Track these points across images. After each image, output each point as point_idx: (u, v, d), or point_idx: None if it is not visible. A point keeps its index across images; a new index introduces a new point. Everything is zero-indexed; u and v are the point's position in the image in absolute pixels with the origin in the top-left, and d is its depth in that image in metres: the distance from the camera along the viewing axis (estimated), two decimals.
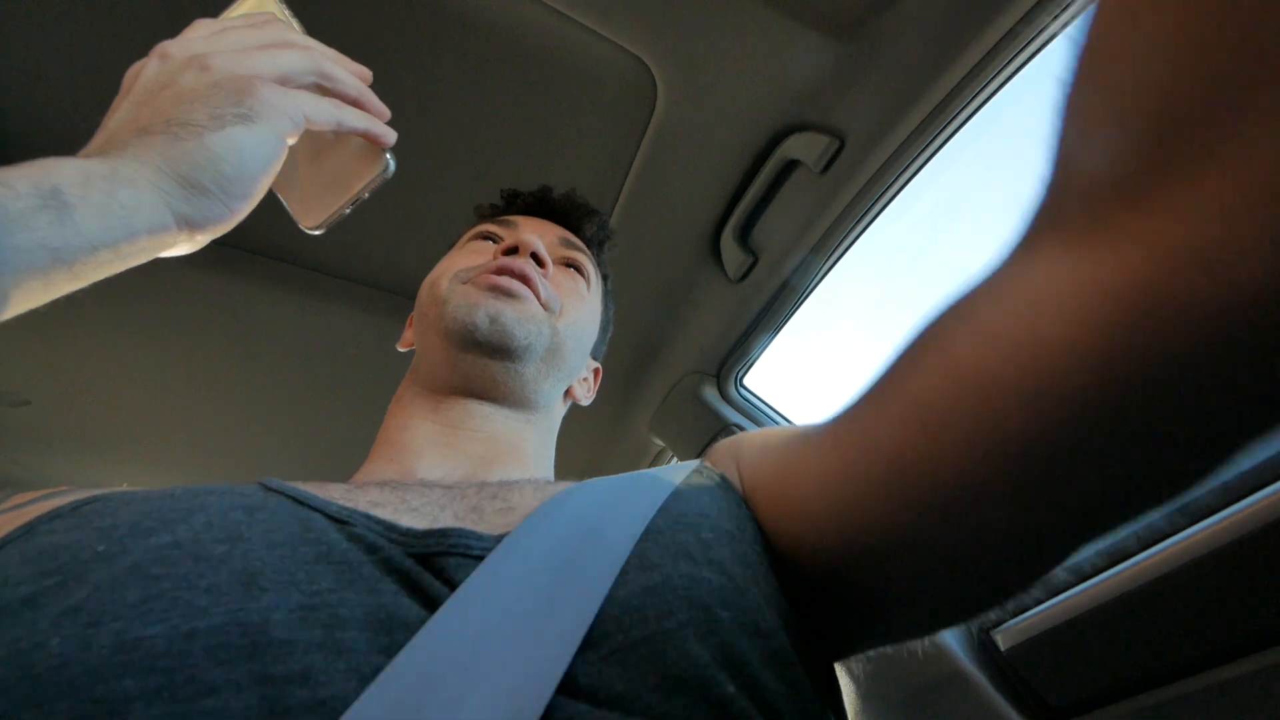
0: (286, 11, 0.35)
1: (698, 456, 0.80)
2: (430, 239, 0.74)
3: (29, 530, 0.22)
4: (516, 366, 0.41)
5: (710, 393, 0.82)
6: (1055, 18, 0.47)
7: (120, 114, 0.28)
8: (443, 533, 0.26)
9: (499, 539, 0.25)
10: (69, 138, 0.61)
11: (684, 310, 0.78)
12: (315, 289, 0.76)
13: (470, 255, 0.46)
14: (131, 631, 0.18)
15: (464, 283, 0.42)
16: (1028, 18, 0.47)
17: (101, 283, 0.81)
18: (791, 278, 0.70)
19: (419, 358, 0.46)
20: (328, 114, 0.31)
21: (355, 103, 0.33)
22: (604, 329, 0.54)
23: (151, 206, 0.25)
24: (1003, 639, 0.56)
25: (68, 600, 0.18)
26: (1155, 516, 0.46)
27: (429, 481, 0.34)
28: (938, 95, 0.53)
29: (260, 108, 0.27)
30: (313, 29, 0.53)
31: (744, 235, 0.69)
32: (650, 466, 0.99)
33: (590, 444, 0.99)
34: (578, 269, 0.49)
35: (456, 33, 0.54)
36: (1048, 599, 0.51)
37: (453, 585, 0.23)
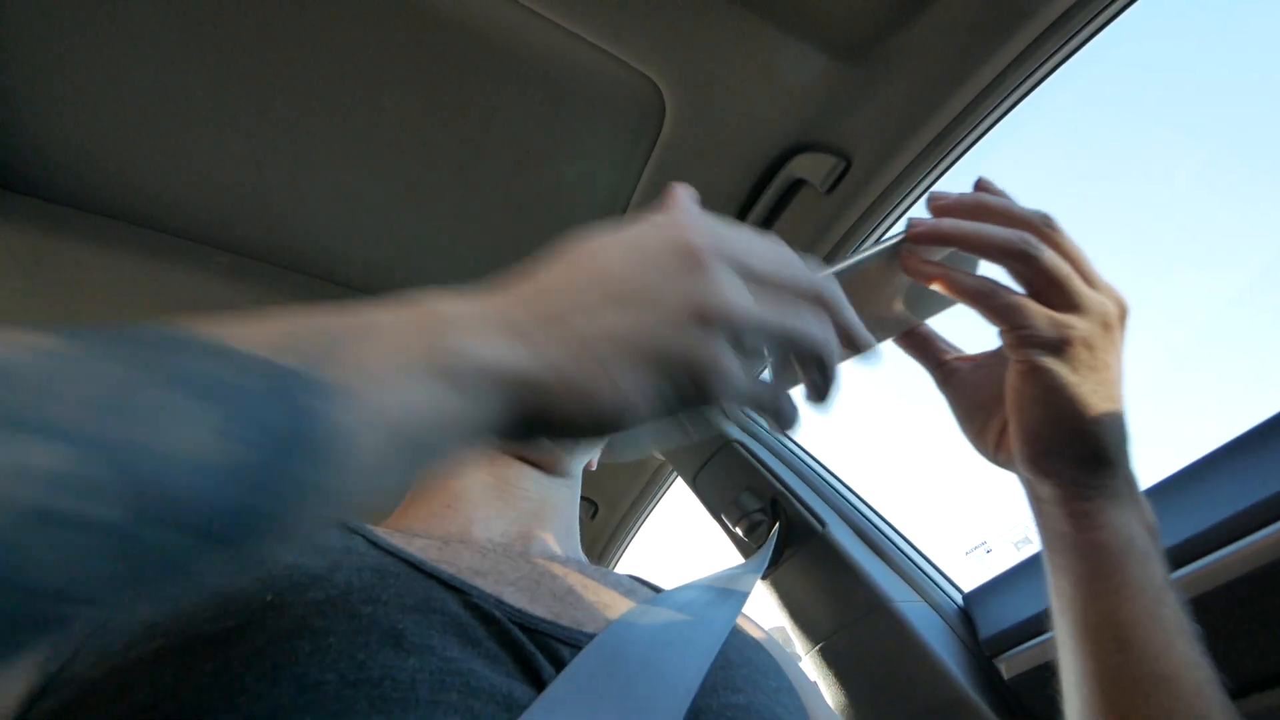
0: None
1: (699, 471, 0.80)
2: (441, 254, 0.74)
3: None
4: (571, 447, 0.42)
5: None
6: (1062, 45, 0.47)
7: (552, 286, 0.20)
8: (548, 619, 0.28)
9: (590, 635, 0.28)
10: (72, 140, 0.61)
11: None
12: (323, 297, 0.76)
13: None
14: (310, 677, 0.20)
15: None
16: (1035, 43, 0.47)
17: (116, 289, 0.81)
18: None
19: None
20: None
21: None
22: None
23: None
24: (1005, 667, 0.55)
25: (254, 643, 0.21)
26: (1174, 541, 0.45)
27: (492, 542, 0.36)
28: (945, 118, 0.53)
29: (700, 385, 0.20)
30: (320, 49, 0.55)
31: None
32: (651, 481, 0.99)
33: None
34: None
35: (465, 50, 0.55)
36: (1051, 628, 0.50)
37: (559, 666, 0.25)
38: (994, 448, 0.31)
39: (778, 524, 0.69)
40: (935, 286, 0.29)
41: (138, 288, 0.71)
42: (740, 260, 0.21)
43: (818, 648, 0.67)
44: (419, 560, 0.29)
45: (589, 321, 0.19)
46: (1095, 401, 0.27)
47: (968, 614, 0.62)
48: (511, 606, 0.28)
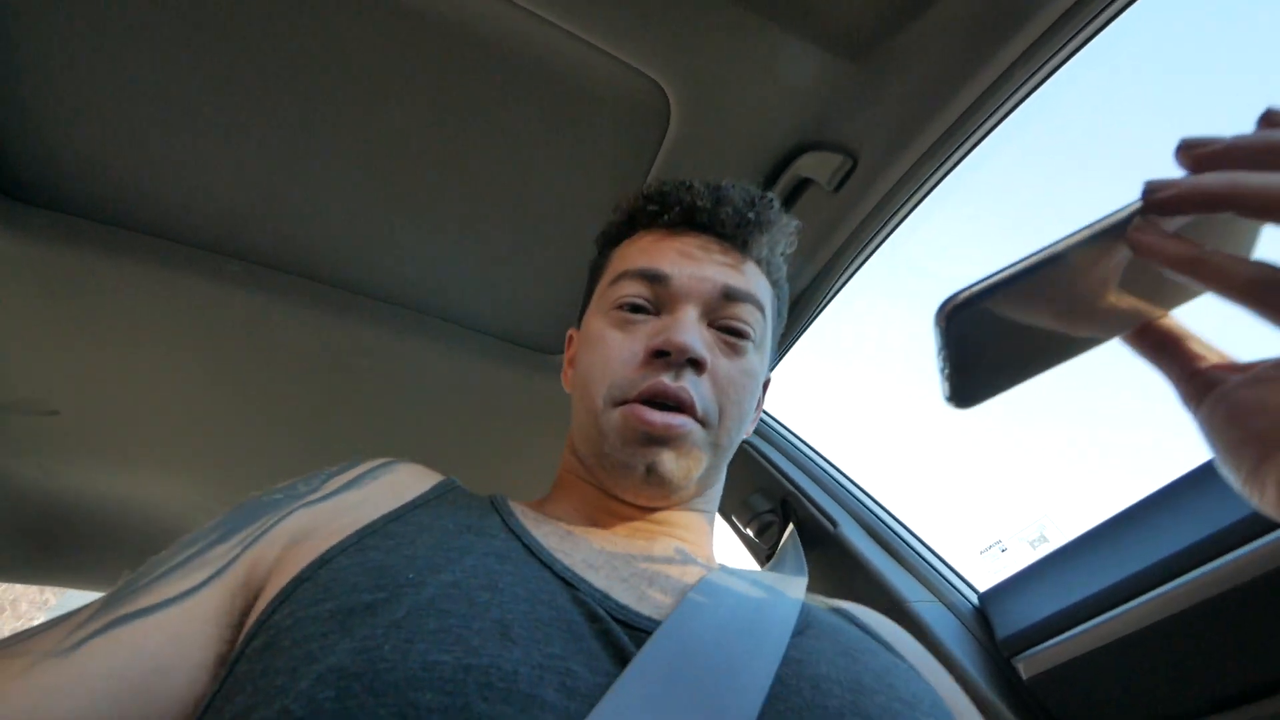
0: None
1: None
2: (446, 255, 0.75)
3: (359, 544, 0.30)
4: (677, 496, 0.40)
5: None
6: (1068, 41, 0.47)
7: None
8: (652, 618, 0.30)
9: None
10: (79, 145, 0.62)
11: None
12: (335, 304, 0.77)
13: (615, 343, 0.40)
14: (432, 655, 0.23)
15: (617, 405, 0.39)
16: (1041, 39, 0.47)
17: (129, 299, 0.82)
18: (803, 296, 0.70)
19: (577, 429, 0.44)
20: None
21: None
22: (774, 351, 0.48)
23: None
24: (1024, 667, 0.55)
25: (393, 615, 0.24)
26: (1181, 547, 0.44)
27: (616, 535, 0.38)
28: (951, 116, 0.53)
29: None
30: (326, 57, 0.55)
31: None
32: None
33: None
34: (741, 333, 0.41)
35: (470, 55, 0.55)
36: (1071, 628, 0.49)
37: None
38: (1263, 490, 0.22)
39: (789, 525, 0.68)
40: (1187, 278, 0.20)
41: (151, 297, 0.72)
42: None
43: None
44: (539, 547, 0.32)
45: None
46: None
47: (984, 614, 0.62)
48: (617, 603, 0.30)
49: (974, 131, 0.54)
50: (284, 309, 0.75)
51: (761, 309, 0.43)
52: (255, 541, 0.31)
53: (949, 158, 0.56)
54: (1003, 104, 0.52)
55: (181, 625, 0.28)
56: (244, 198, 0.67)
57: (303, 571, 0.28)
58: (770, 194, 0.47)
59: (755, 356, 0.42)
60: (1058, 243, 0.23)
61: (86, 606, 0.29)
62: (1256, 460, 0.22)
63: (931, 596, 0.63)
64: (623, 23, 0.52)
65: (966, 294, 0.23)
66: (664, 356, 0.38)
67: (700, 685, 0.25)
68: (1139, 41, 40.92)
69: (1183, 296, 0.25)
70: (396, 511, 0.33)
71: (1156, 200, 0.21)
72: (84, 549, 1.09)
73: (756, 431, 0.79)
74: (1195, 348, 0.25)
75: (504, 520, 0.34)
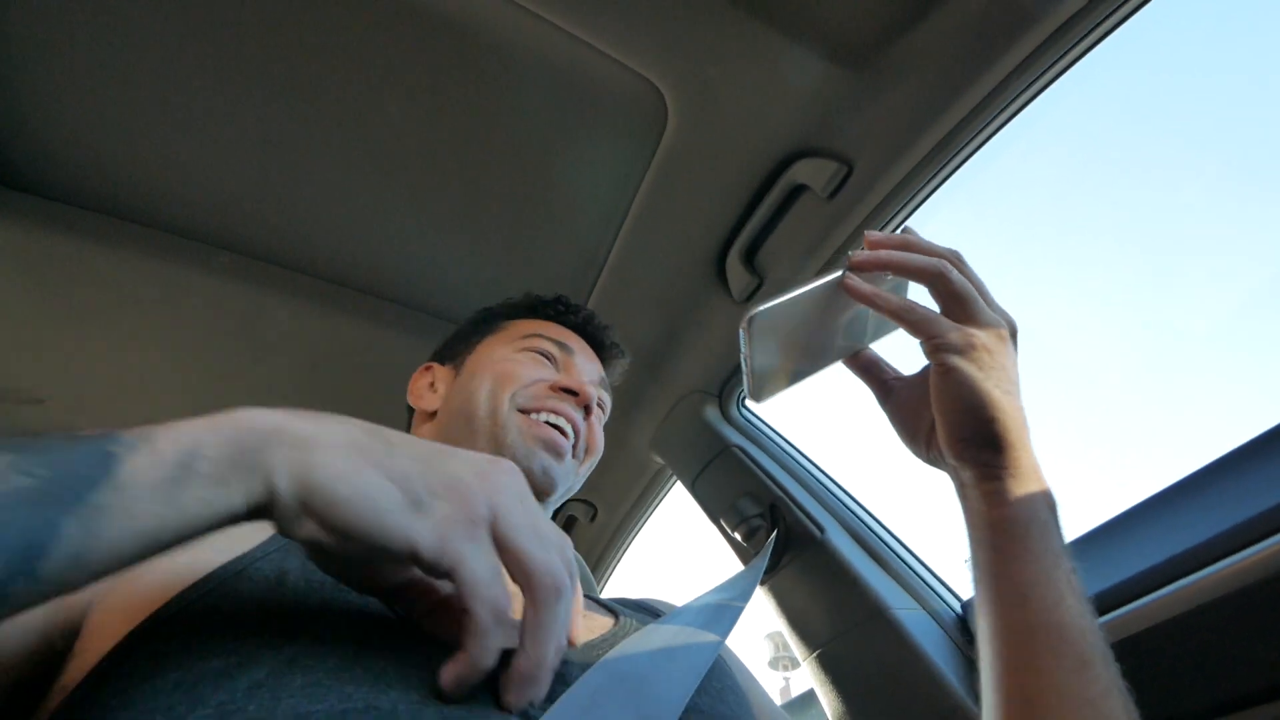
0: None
1: (698, 476, 0.80)
2: (440, 252, 0.75)
3: (200, 602, 0.28)
4: (545, 505, 0.48)
5: (712, 412, 0.82)
6: (1065, 52, 0.47)
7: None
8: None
9: (570, 663, 0.31)
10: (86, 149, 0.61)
11: (688, 330, 0.78)
12: (325, 298, 0.77)
13: (526, 367, 0.51)
14: (303, 706, 0.23)
15: (522, 411, 0.48)
16: (1038, 51, 0.47)
17: (119, 289, 0.81)
18: None
19: (453, 434, 0.49)
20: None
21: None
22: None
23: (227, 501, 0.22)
24: None
25: (254, 676, 0.24)
26: (1166, 556, 0.45)
27: None
28: (946, 125, 0.53)
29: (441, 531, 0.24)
30: (325, 52, 0.55)
31: (750, 257, 0.70)
32: (651, 484, 0.99)
33: None
34: (602, 408, 0.56)
35: (469, 53, 0.55)
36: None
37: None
38: (926, 447, 0.38)
39: (775, 530, 0.69)
40: (868, 306, 0.36)
41: (140, 285, 0.71)
42: (509, 537, 0.25)
43: (815, 654, 0.67)
44: None
45: (383, 459, 0.24)
46: (998, 395, 0.33)
47: (966, 622, 0.62)
48: None
49: (970, 140, 0.54)
50: (274, 301, 0.75)
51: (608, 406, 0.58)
52: None
53: (945, 166, 0.56)
54: (1000, 113, 0.52)
55: None
56: (236, 189, 0.67)
57: (131, 636, 0.25)
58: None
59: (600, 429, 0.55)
60: (815, 282, 0.36)
61: None
62: (915, 426, 0.38)
63: (915, 604, 0.63)
64: (622, 24, 0.52)
65: (761, 308, 0.34)
66: (571, 395, 0.49)
67: (627, 707, 0.28)
68: (1140, 48, 41.00)
69: (876, 335, 0.41)
70: (245, 558, 0.31)
71: (854, 263, 0.36)
72: None
73: (747, 436, 0.79)
74: (884, 367, 0.41)
75: None
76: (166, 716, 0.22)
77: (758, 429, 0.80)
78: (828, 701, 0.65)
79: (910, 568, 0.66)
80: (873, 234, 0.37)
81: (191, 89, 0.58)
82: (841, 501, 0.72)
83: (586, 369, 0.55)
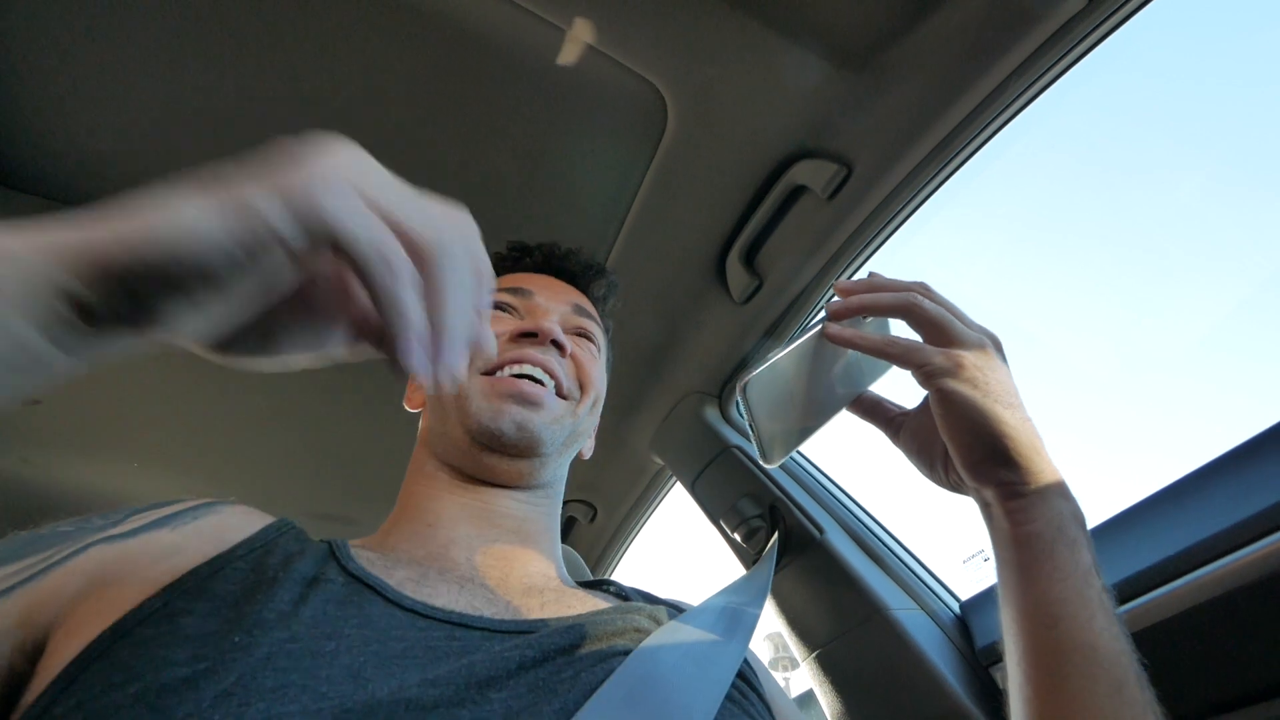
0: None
1: (698, 476, 0.80)
2: None
3: (166, 608, 0.26)
4: (541, 461, 0.43)
5: (712, 413, 0.82)
6: (1064, 55, 0.48)
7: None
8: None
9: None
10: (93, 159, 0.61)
11: (688, 330, 0.78)
12: None
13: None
14: (275, 709, 0.22)
15: (484, 374, 0.43)
16: (1038, 53, 0.47)
17: None
18: (796, 301, 0.70)
19: (435, 432, 0.45)
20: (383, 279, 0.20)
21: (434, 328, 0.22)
22: (607, 375, 0.54)
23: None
24: (1001, 677, 0.55)
25: (220, 684, 0.23)
26: (1166, 555, 0.45)
27: (473, 567, 0.38)
28: (946, 126, 0.53)
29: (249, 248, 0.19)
30: (324, 54, 0.55)
31: (750, 258, 0.70)
32: (651, 485, 0.99)
33: (591, 461, 0.98)
34: (589, 337, 0.50)
35: (469, 54, 0.55)
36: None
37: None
38: (945, 474, 0.38)
39: (776, 533, 0.69)
40: (852, 349, 0.37)
41: None
42: (369, 192, 0.21)
43: (814, 655, 0.67)
44: (382, 584, 0.31)
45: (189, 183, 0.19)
46: (999, 410, 0.33)
47: (964, 622, 0.62)
48: (473, 615, 0.31)
49: (970, 141, 0.54)
50: None
51: (602, 330, 0.52)
52: (39, 576, 0.26)
53: (945, 167, 0.56)
54: (1000, 114, 0.52)
55: None
56: None
57: (91, 647, 0.24)
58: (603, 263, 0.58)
59: (601, 363, 0.50)
60: (800, 338, 0.37)
61: None
62: (930, 455, 0.38)
63: (914, 605, 0.63)
64: (623, 25, 0.52)
65: (752, 374, 0.35)
66: (530, 337, 0.44)
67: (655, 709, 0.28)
68: (1140, 50, 41.72)
69: (870, 378, 0.42)
70: (214, 562, 0.29)
71: (831, 311, 0.37)
72: None
73: (746, 436, 0.79)
74: (887, 406, 0.42)
75: (341, 565, 0.32)
76: None
77: None
78: (827, 702, 0.65)
79: (909, 568, 0.66)
80: (842, 282, 0.38)
81: (192, 90, 0.57)
82: (840, 502, 0.72)
83: (551, 306, 0.49)
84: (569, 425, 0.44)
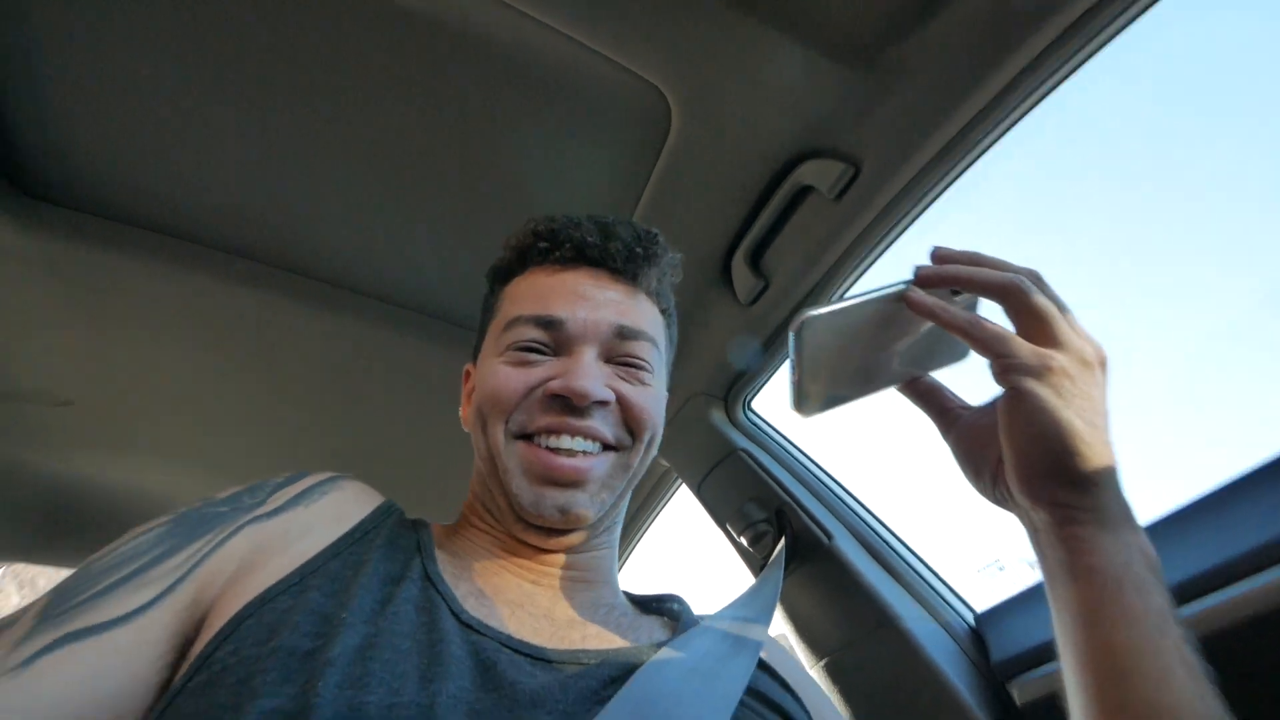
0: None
1: (705, 479, 0.79)
2: (448, 256, 0.75)
3: (301, 584, 0.32)
4: (593, 527, 0.42)
5: (718, 415, 0.81)
6: (1074, 54, 0.46)
7: None
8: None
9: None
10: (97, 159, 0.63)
11: (693, 332, 0.78)
12: (340, 304, 0.78)
13: (512, 378, 0.40)
14: (359, 697, 0.26)
15: (519, 438, 0.40)
16: (1047, 51, 0.46)
17: (142, 295, 0.83)
18: (802, 303, 0.69)
19: (481, 483, 0.44)
20: None
21: None
22: (668, 374, 0.49)
23: None
24: (1019, 693, 0.53)
25: (327, 656, 0.27)
26: (1190, 575, 0.43)
27: (523, 599, 0.39)
28: (955, 126, 0.52)
29: None
30: (332, 62, 0.56)
31: (756, 259, 0.69)
32: (657, 487, 0.98)
33: None
34: (639, 363, 0.43)
35: (472, 59, 0.55)
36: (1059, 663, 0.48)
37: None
38: (993, 484, 0.34)
39: (783, 538, 0.67)
40: (930, 319, 0.32)
41: (160, 291, 0.73)
42: None
43: (822, 663, 0.65)
44: (450, 596, 0.34)
45: None
46: (1079, 425, 0.29)
47: (979, 635, 0.60)
48: (519, 640, 0.34)
49: (980, 140, 0.53)
50: (289, 306, 0.76)
51: (654, 342, 0.45)
52: (204, 559, 0.32)
53: (954, 167, 0.55)
54: (1010, 113, 0.50)
55: (133, 646, 0.28)
56: (252, 198, 0.68)
57: (245, 608, 0.30)
58: (655, 230, 0.49)
59: (656, 384, 0.45)
60: (874, 292, 0.33)
61: (24, 613, 0.29)
62: (981, 460, 0.35)
63: (926, 615, 0.61)
64: (626, 28, 0.52)
65: (815, 311, 0.31)
66: (565, 401, 0.39)
67: None
68: (1151, 48, 40.04)
69: (940, 362, 0.38)
70: (335, 546, 0.35)
71: (920, 277, 0.33)
72: (92, 533, 1.12)
73: (753, 439, 0.78)
74: (946, 395, 0.38)
75: (424, 567, 0.36)
76: (263, 679, 0.25)
77: (764, 433, 0.79)
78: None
79: (921, 577, 0.65)
80: (941, 248, 0.33)
81: (205, 101, 0.59)
82: (849, 507, 0.71)
83: (588, 335, 0.41)
84: (623, 480, 0.41)
